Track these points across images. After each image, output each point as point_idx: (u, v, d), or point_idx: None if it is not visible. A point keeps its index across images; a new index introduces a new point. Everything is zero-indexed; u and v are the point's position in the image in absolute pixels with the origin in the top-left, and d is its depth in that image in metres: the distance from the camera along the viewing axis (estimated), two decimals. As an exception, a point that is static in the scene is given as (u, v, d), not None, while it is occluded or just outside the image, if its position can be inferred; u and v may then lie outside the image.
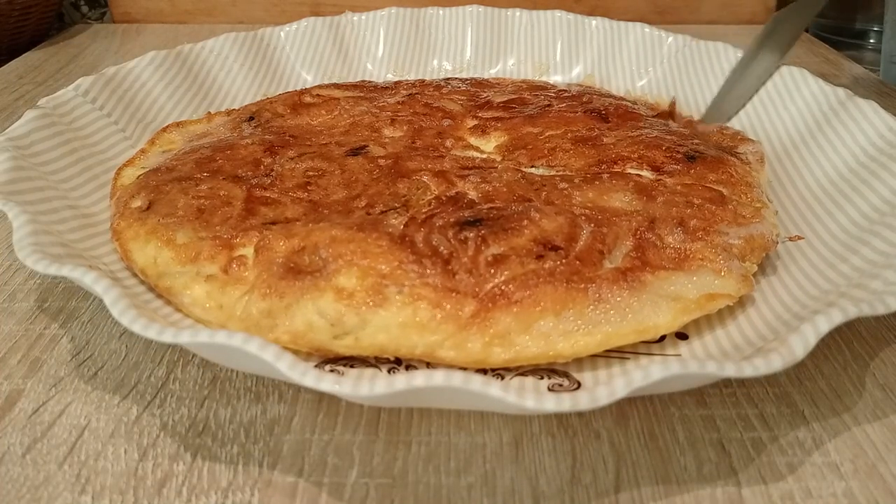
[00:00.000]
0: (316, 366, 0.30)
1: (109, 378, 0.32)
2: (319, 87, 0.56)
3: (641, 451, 0.28)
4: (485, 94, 0.53)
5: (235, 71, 0.58)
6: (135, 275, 0.36)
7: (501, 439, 0.29)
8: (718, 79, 0.54)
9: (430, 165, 0.40)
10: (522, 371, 0.31)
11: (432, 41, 0.66)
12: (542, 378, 0.31)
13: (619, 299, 0.31)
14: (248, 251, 0.34)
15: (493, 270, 0.31)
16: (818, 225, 0.39)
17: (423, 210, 0.36)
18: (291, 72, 0.62)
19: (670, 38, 0.59)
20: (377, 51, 0.65)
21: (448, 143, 0.45)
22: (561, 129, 0.46)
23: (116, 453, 0.28)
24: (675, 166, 0.40)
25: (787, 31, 0.46)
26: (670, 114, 0.51)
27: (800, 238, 0.39)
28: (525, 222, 0.34)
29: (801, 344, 0.26)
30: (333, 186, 0.39)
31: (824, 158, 0.43)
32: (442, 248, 0.32)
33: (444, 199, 0.37)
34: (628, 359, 0.32)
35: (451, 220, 0.34)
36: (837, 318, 0.27)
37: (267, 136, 0.45)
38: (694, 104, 0.55)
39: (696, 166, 0.40)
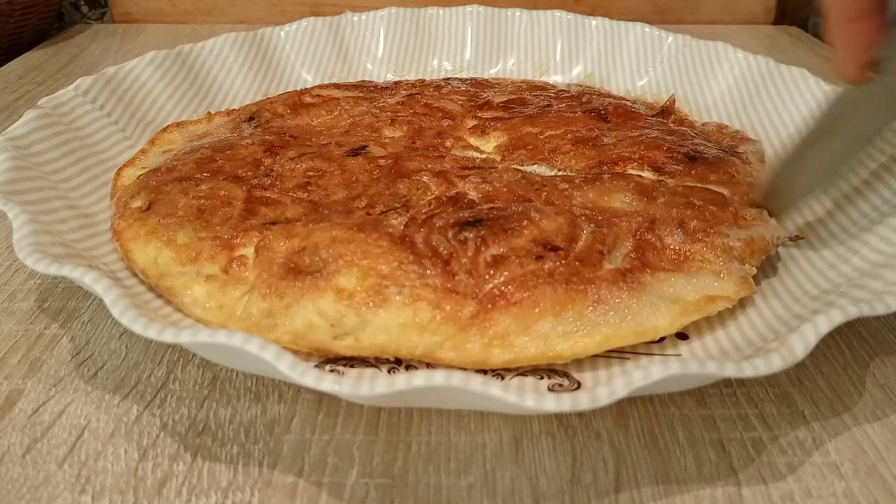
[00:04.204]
0: (316, 366, 0.30)
1: (109, 378, 0.32)
2: (319, 87, 0.56)
3: (641, 451, 0.28)
4: (485, 94, 0.53)
5: (235, 71, 0.58)
6: (135, 275, 0.36)
7: (501, 439, 0.29)
8: (718, 79, 0.54)
9: (430, 165, 0.40)
10: (522, 371, 0.31)
11: (432, 41, 0.66)
12: (542, 378, 0.30)
13: (618, 300, 0.31)
14: (249, 251, 0.34)
15: (492, 271, 0.31)
16: (818, 225, 0.39)
17: (424, 210, 0.36)
18: (291, 72, 0.61)
19: (670, 38, 0.59)
20: (377, 51, 0.65)
21: (448, 144, 0.45)
22: (561, 129, 0.46)
23: (116, 453, 0.28)
24: (676, 167, 0.40)
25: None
26: (669, 111, 0.51)
27: (800, 238, 0.39)
28: (525, 223, 0.34)
29: (801, 344, 0.26)
30: (333, 187, 0.39)
31: (824, 158, 0.43)
32: (442, 248, 0.32)
33: (444, 199, 0.37)
34: (628, 359, 0.32)
35: (451, 220, 0.34)
36: (837, 318, 0.27)
37: (267, 137, 0.45)
38: (694, 104, 0.54)
39: (697, 167, 0.40)
